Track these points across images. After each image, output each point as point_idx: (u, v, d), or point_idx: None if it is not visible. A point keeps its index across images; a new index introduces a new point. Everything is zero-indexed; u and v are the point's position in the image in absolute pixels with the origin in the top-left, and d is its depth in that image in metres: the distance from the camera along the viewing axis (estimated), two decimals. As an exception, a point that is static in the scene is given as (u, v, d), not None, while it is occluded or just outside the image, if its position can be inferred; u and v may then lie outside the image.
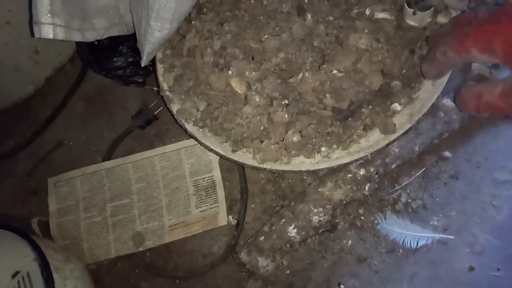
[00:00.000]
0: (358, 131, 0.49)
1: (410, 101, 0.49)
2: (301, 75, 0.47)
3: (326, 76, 0.47)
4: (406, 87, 0.49)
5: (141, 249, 0.60)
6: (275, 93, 0.47)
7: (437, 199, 0.57)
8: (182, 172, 0.63)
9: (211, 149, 0.51)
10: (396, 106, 0.48)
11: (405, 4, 0.47)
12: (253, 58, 0.49)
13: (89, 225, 0.62)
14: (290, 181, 0.60)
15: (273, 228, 0.55)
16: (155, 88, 0.56)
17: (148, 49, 0.52)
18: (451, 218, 0.56)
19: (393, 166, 0.55)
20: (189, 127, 0.52)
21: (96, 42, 0.57)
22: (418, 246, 0.54)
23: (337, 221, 0.57)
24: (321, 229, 0.56)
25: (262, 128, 0.48)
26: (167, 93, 0.54)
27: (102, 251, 0.61)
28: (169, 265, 0.60)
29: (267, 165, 0.49)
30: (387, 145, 0.48)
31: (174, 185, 0.62)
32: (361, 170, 0.54)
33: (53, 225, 0.63)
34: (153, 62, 0.57)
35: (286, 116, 0.47)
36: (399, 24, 0.49)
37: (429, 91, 0.49)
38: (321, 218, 0.54)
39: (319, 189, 0.55)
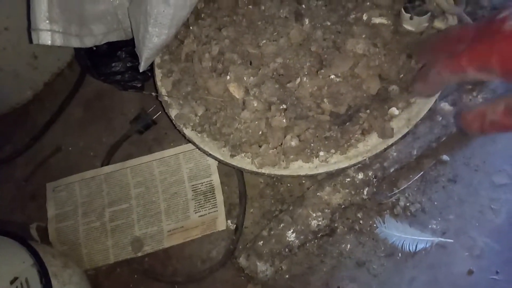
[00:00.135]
0: (356, 135, 0.49)
1: (408, 105, 0.49)
2: (299, 80, 0.47)
3: (323, 81, 0.47)
4: (404, 92, 0.49)
5: (139, 254, 0.60)
6: (273, 98, 0.48)
7: (435, 203, 0.57)
8: (181, 177, 0.63)
9: (210, 154, 0.51)
10: (394, 110, 0.49)
11: (402, 9, 0.48)
12: (251, 63, 0.50)
13: (88, 230, 0.62)
14: (288, 185, 0.60)
15: (272, 232, 0.55)
16: (153, 93, 0.56)
17: (146, 55, 0.52)
18: (450, 222, 0.56)
19: (392, 170, 0.55)
20: (188, 132, 0.53)
21: (94, 48, 0.58)
22: (417, 250, 0.54)
23: (335, 225, 0.57)
24: (320, 233, 0.56)
25: (260, 133, 0.48)
26: (166, 98, 0.54)
27: (101, 257, 0.61)
28: (168, 270, 0.59)
29: (266, 170, 0.49)
30: (385, 149, 0.48)
31: (172, 190, 0.62)
32: (359, 174, 0.54)
33: (51, 231, 0.63)
34: (151, 67, 0.57)
35: (284, 121, 0.47)
36: (396, 29, 0.49)
37: (427, 96, 0.49)
38: (320, 223, 0.54)
39: (318, 194, 0.55)
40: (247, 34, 0.50)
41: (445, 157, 0.58)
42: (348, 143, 0.49)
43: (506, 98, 0.33)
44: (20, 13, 0.57)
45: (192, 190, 0.62)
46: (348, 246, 0.56)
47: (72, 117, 0.71)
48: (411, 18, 0.48)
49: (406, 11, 0.47)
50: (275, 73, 0.49)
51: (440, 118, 0.55)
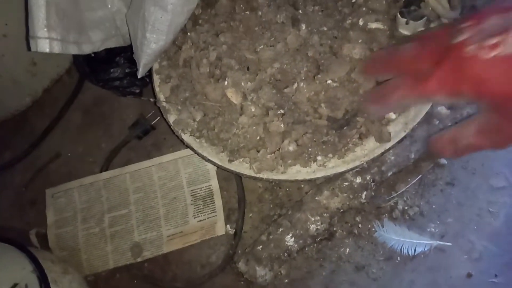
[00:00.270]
0: (354, 139, 0.49)
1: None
2: (296, 85, 0.48)
3: (320, 86, 0.48)
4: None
5: (139, 259, 0.60)
6: (270, 103, 0.48)
7: (433, 206, 0.57)
8: (180, 182, 0.63)
9: (208, 159, 0.51)
10: (391, 114, 0.49)
11: (398, 14, 0.48)
12: (248, 69, 0.50)
13: (87, 236, 0.62)
14: (287, 189, 0.60)
15: (271, 237, 0.55)
16: (151, 99, 0.56)
17: (144, 61, 0.53)
18: (448, 225, 0.56)
19: (389, 173, 0.55)
20: (186, 137, 0.53)
21: (92, 54, 0.58)
22: (416, 253, 0.54)
23: (334, 229, 0.57)
24: (319, 237, 0.56)
25: (258, 138, 0.49)
26: (164, 103, 0.54)
27: (100, 262, 0.61)
28: (168, 276, 0.60)
29: (264, 175, 0.49)
30: (383, 153, 0.48)
31: (171, 195, 0.62)
32: (357, 178, 0.54)
33: (51, 237, 0.63)
34: (149, 73, 0.58)
35: (282, 125, 0.47)
36: (392, 33, 0.49)
37: (423, 99, 0.49)
38: (319, 227, 0.55)
39: (316, 198, 0.55)
40: (245, 40, 0.51)
41: (443, 161, 0.58)
42: (346, 148, 0.49)
43: (477, 119, 0.32)
44: (19, 20, 0.58)
45: (191, 195, 0.62)
46: (347, 250, 0.57)
47: (71, 123, 0.71)
48: (407, 23, 0.48)
49: (402, 16, 0.48)
50: (272, 78, 0.49)
51: (437, 122, 0.55)
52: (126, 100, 0.69)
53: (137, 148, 0.67)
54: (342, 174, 0.53)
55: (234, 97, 0.49)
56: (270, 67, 0.49)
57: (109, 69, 0.64)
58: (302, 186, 0.60)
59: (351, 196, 0.55)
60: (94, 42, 0.54)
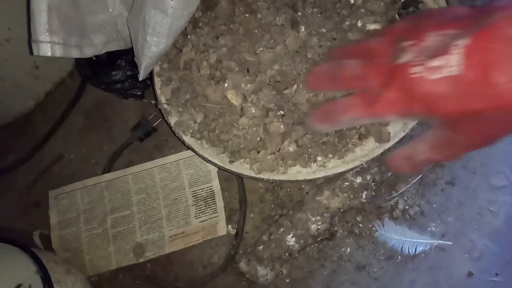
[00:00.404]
0: (353, 140, 0.49)
1: (404, 109, 0.49)
2: (295, 86, 0.48)
3: (320, 86, 0.48)
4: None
5: (141, 260, 0.61)
6: (270, 105, 0.48)
7: (434, 206, 0.57)
8: (181, 183, 0.63)
9: (209, 160, 0.52)
10: (390, 114, 0.49)
11: (396, 16, 0.48)
12: (248, 71, 0.50)
13: (90, 237, 0.63)
14: (288, 190, 0.61)
15: (272, 237, 0.55)
16: (153, 101, 0.57)
17: (145, 63, 0.53)
18: (449, 224, 0.56)
19: (390, 173, 0.56)
20: (187, 139, 0.53)
21: (94, 58, 0.58)
22: (417, 253, 0.55)
23: (335, 229, 0.57)
24: (320, 237, 0.56)
25: (258, 139, 0.49)
26: (165, 105, 0.55)
27: (103, 263, 0.61)
28: (170, 276, 0.60)
29: (264, 175, 0.50)
30: (382, 153, 0.48)
31: (173, 196, 0.63)
32: (358, 178, 0.55)
33: (54, 238, 0.63)
34: (150, 75, 0.58)
35: (282, 126, 0.48)
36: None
37: (422, 100, 0.49)
38: (319, 227, 0.55)
39: (317, 198, 0.55)
40: (244, 42, 0.51)
41: (443, 160, 0.58)
42: (346, 148, 0.49)
43: (430, 136, 0.32)
44: (21, 25, 0.58)
45: (193, 196, 0.62)
46: (348, 249, 0.57)
47: (73, 126, 0.72)
48: (405, 24, 0.48)
49: (400, 18, 0.48)
50: (272, 80, 0.49)
51: (437, 122, 0.55)
52: (127, 103, 0.70)
53: (139, 150, 0.67)
54: (342, 174, 0.53)
55: (234, 99, 0.49)
56: (270, 69, 0.49)
57: (110, 72, 0.65)
58: (303, 186, 0.60)
59: (351, 196, 0.55)
60: (95, 46, 0.55)
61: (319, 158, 0.49)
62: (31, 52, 0.47)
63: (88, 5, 0.52)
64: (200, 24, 0.54)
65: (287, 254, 0.54)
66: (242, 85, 0.49)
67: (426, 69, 0.28)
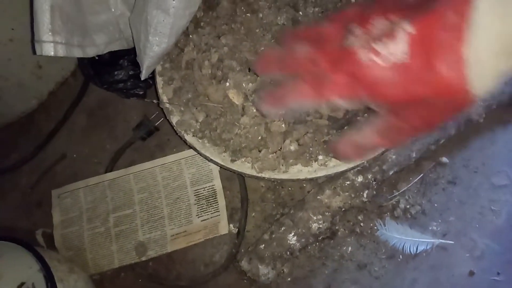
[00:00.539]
0: (354, 139, 0.49)
1: (405, 108, 0.49)
2: (296, 85, 0.48)
3: (321, 86, 0.48)
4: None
5: (143, 258, 0.61)
6: (271, 104, 0.48)
7: (435, 205, 0.57)
8: (183, 182, 0.64)
9: (211, 159, 0.52)
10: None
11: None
12: (249, 70, 0.50)
13: (93, 236, 0.63)
14: (289, 189, 0.61)
15: (273, 236, 0.55)
16: (155, 101, 0.57)
17: (147, 63, 0.53)
18: (450, 223, 0.56)
19: (391, 172, 0.56)
20: (189, 138, 0.53)
21: (97, 57, 0.59)
22: (418, 252, 0.55)
23: (336, 228, 0.58)
24: (321, 236, 0.57)
25: (259, 138, 0.49)
26: (167, 105, 0.55)
27: (106, 262, 0.62)
28: (172, 275, 0.60)
29: (266, 174, 0.50)
30: (383, 152, 0.49)
31: (175, 195, 0.63)
32: (359, 177, 0.55)
33: (57, 237, 0.64)
34: (153, 75, 0.58)
35: (283, 125, 0.48)
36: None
37: (423, 99, 0.49)
38: (321, 225, 0.55)
39: (318, 197, 0.55)
40: (246, 42, 0.51)
41: (444, 159, 0.58)
42: (347, 147, 0.49)
43: (375, 124, 0.33)
44: (24, 25, 0.59)
45: (195, 195, 0.63)
46: (349, 248, 0.57)
47: (76, 125, 0.72)
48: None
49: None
50: (273, 80, 0.49)
51: (438, 121, 0.55)
52: (130, 102, 0.70)
53: (141, 149, 0.68)
54: (343, 173, 0.53)
55: (236, 98, 0.49)
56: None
57: (113, 71, 0.65)
58: (304, 185, 0.60)
59: (352, 195, 0.55)
60: (98, 45, 0.55)
61: (320, 157, 0.49)
62: (34, 52, 0.47)
63: (90, 5, 0.52)
64: (201, 23, 0.55)
65: (288, 253, 0.55)
66: (244, 84, 0.49)
67: (372, 54, 0.28)
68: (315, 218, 0.55)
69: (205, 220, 0.61)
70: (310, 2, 0.52)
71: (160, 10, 0.47)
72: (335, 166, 0.49)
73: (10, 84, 0.67)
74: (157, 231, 0.62)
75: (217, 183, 0.63)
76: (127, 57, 0.65)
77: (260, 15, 0.52)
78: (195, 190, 0.63)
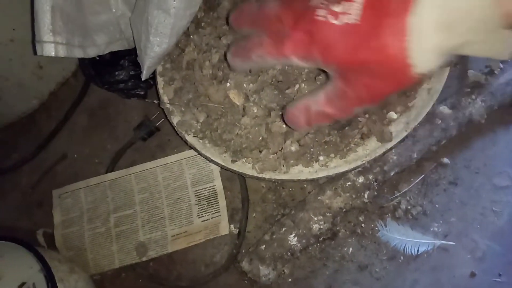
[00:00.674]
0: (355, 139, 0.49)
1: (406, 109, 0.49)
2: (297, 86, 0.48)
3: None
4: (402, 96, 0.49)
5: (144, 259, 0.61)
6: (272, 104, 0.48)
7: (437, 206, 0.57)
8: (184, 183, 0.64)
9: (211, 159, 0.52)
10: (392, 114, 0.49)
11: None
12: (250, 70, 0.50)
13: (93, 236, 0.63)
14: (290, 189, 0.61)
15: (274, 236, 0.55)
16: (155, 101, 0.57)
17: (148, 63, 0.53)
18: (451, 224, 0.56)
19: (392, 173, 0.56)
20: (189, 138, 0.53)
21: (97, 57, 0.59)
22: (419, 253, 0.55)
23: (337, 228, 0.57)
24: (322, 237, 0.56)
25: (260, 138, 0.49)
26: (168, 105, 0.55)
27: (106, 262, 0.62)
28: (172, 275, 0.60)
29: (266, 175, 0.50)
30: (384, 153, 0.48)
31: (176, 195, 0.63)
32: (360, 178, 0.55)
33: (58, 237, 0.64)
34: (153, 75, 0.58)
35: (283, 126, 0.48)
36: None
37: (425, 99, 0.49)
38: (322, 226, 0.55)
39: (319, 198, 0.55)
40: (247, 42, 0.51)
41: (445, 160, 0.58)
42: (348, 148, 0.49)
43: (325, 88, 0.33)
44: (25, 25, 0.59)
45: (195, 195, 0.63)
46: (350, 249, 0.57)
47: (77, 126, 0.72)
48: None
49: None
50: (274, 80, 0.49)
51: (440, 122, 0.55)
52: (130, 102, 0.70)
53: (142, 149, 0.67)
54: (344, 174, 0.53)
55: (237, 99, 0.49)
56: (272, 69, 0.49)
57: (114, 72, 0.65)
58: (305, 186, 0.60)
59: (353, 196, 0.55)
60: (98, 46, 0.55)
61: (321, 158, 0.49)
62: (35, 52, 0.47)
63: (91, 5, 0.52)
64: (202, 24, 0.55)
65: (289, 253, 0.54)
66: (244, 84, 0.49)
67: (329, 12, 0.28)
68: (316, 218, 0.55)
69: (205, 220, 0.61)
70: None
71: (161, 11, 0.47)
72: (336, 167, 0.49)
73: (10, 84, 0.67)
74: (158, 231, 0.62)
75: (218, 184, 0.62)
76: (128, 57, 0.65)
77: (261, 15, 0.52)
78: (196, 191, 0.63)
